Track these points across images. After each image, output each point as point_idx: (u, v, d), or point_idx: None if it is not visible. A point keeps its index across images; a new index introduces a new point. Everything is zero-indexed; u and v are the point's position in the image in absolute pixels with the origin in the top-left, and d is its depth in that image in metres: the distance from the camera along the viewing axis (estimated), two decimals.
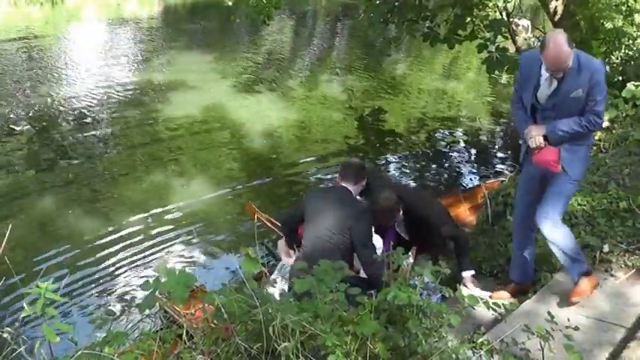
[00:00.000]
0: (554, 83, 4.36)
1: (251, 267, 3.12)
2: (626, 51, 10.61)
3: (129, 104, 12.91)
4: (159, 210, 8.33)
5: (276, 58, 18.36)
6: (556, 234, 4.44)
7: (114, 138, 11.09)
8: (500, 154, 11.75)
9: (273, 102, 13.57)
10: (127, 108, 12.64)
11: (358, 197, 5.25)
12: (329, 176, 9.59)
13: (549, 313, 2.98)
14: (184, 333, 3.02)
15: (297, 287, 2.94)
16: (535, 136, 4.35)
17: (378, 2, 10.19)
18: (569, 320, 3.17)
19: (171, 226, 7.90)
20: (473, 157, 11.55)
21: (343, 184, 5.14)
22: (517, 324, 2.98)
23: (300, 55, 19.55)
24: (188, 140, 11.14)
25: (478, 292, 4.93)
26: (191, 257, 7.31)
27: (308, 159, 10.39)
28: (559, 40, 4.16)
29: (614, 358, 3.85)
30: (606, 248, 5.12)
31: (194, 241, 7.60)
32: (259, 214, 6.77)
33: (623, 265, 4.91)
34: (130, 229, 7.76)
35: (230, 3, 13.91)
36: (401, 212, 5.47)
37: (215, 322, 3.02)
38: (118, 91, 13.61)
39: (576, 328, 3.19)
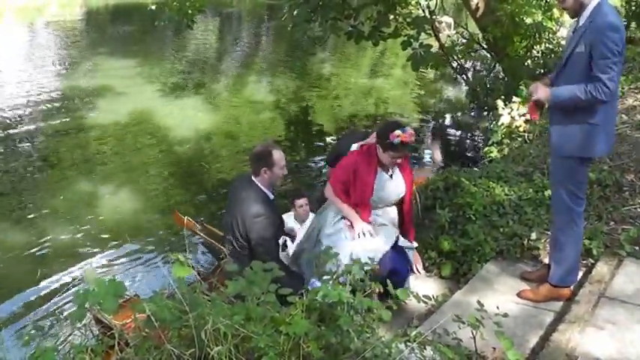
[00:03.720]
0: (571, 34, 4.06)
1: (181, 273, 3.07)
2: (547, 45, 10.96)
3: (53, 112, 12.58)
4: (87, 219, 8.14)
5: (201, 60, 18.19)
6: (566, 227, 4.25)
7: (38, 147, 10.79)
8: (427, 150, 11.94)
9: (200, 105, 13.44)
10: (51, 116, 12.32)
11: (263, 187, 4.90)
12: None
13: (479, 302, 3.03)
14: (116, 344, 2.94)
15: (229, 290, 2.91)
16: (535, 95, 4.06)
17: (301, 2, 10.20)
18: (498, 308, 3.23)
19: (100, 236, 7.74)
20: None
21: (252, 177, 4.90)
22: (449, 314, 3.01)
23: (225, 57, 19.43)
24: (115, 147, 10.92)
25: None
26: (123, 266, 7.18)
27: (237, 161, 10.31)
28: None
29: (544, 341, 3.95)
30: (534, 236, 5.26)
31: (125, 249, 7.47)
32: (188, 221, 6.70)
33: (549, 252, 5.04)
34: (58, 241, 7.56)
35: (154, 6, 13.71)
36: None
37: (147, 330, 2.96)
38: (41, 99, 13.25)
39: (505, 315, 3.25)
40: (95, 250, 7.45)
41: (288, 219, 6.07)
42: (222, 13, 25.29)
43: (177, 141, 11.21)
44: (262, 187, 4.83)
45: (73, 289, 6.36)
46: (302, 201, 6.09)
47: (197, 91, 14.71)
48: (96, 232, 7.84)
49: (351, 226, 4.69)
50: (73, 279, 6.80)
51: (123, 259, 7.29)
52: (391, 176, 4.74)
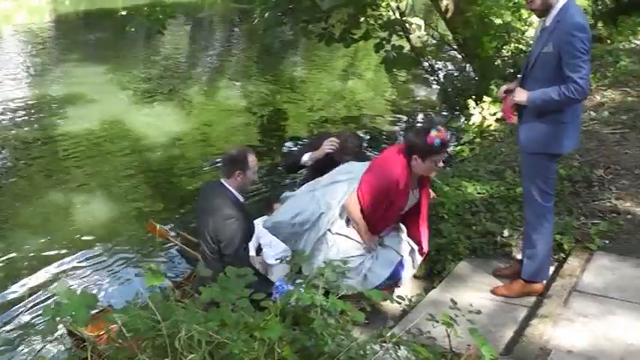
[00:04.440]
0: (538, 34, 4.13)
1: (154, 281, 3.05)
2: (516, 45, 11.10)
3: (22, 120, 12.42)
4: (58, 229, 8.04)
5: (173, 66, 18.08)
6: (537, 223, 4.33)
7: (8, 157, 10.64)
8: None
9: (172, 111, 13.36)
10: (19, 124, 12.16)
11: (234, 190, 4.90)
12: None
13: (452, 300, 3.06)
14: (89, 357, 2.92)
15: (203, 296, 2.91)
16: (512, 98, 4.12)
17: (272, 5, 10.20)
18: (471, 305, 3.26)
19: (72, 246, 7.63)
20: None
21: (222, 180, 4.92)
22: (423, 314, 3.03)
23: (197, 62, 19.33)
24: (87, 155, 10.80)
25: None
26: (95, 277, 7.09)
27: (211, 167, 10.26)
28: None
29: (518, 336, 4.00)
30: (506, 233, 5.33)
31: (98, 259, 7.38)
32: (161, 229, 6.67)
33: (521, 248, 5.10)
34: (28, 252, 7.46)
35: (124, 12, 13.63)
36: None
37: (120, 341, 2.94)
38: (9, 107, 13.07)
39: (479, 312, 3.30)
40: (67, 260, 7.34)
41: (261, 223, 6.07)
42: (193, 18, 25.17)
43: (150, 147, 11.12)
44: (233, 190, 4.84)
45: (48, 301, 6.32)
46: (279, 204, 6.09)
47: (169, 96, 14.61)
48: (67, 242, 7.74)
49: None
50: (45, 290, 6.72)
51: (96, 269, 7.20)
52: (413, 191, 4.58)
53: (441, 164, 4.49)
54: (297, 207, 4.72)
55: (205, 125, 12.62)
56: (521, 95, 4.06)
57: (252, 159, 4.88)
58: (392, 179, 4.35)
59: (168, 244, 6.97)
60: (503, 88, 4.35)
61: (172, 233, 6.94)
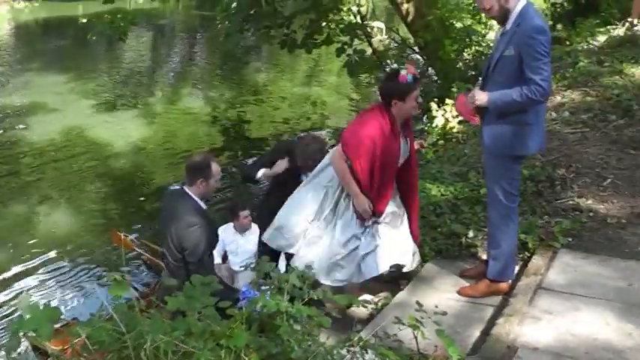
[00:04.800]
0: (499, 37, 4.17)
1: (118, 292, 3.01)
2: (477, 47, 11.22)
3: None
4: (20, 242, 7.93)
5: (136, 73, 17.93)
6: (501, 223, 4.36)
7: None
8: None
9: (135, 119, 13.23)
10: None
11: (196, 198, 4.84)
12: None
13: (418, 302, 3.07)
14: None
15: (169, 306, 2.87)
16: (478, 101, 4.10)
17: (233, 12, 10.17)
18: (437, 307, 3.28)
19: (35, 258, 7.53)
20: None
21: (184, 187, 4.87)
22: (390, 317, 3.04)
23: (160, 69, 19.19)
24: (50, 166, 10.66)
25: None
26: (59, 289, 6.99)
27: (174, 174, 10.17)
28: None
29: (485, 335, 4.03)
30: (471, 234, 5.36)
31: (62, 271, 7.30)
32: (125, 239, 6.60)
33: (486, 249, 5.14)
34: None
35: (85, 20, 13.49)
36: None
37: (85, 354, 2.89)
38: None
39: (444, 313, 3.31)
40: (30, 273, 7.24)
41: (226, 230, 6.05)
42: (155, 25, 24.99)
43: (113, 156, 11.01)
44: (196, 198, 4.81)
45: (11, 316, 6.20)
46: (246, 212, 6.07)
47: (132, 104, 14.48)
48: (30, 254, 7.61)
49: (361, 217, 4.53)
50: (7, 305, 6.59)
51: (59, 282, 7.10)
52: (407, 140, 4.52)
53: (420, 99, 4.49)
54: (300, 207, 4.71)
55: (169, 132, 12.53)
56: (481, 97, 4.09)
57: (215, 167, 4.86)
58: (371, 128, 4.33)
59: (134, 254, 6.89)
60: (464, 94, 4.39)
61: (137, 243, 6.86)
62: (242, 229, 6.08)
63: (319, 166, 4.77)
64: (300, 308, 2.52)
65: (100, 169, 10.56)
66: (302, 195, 4.75)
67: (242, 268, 5.85)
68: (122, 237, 6.64)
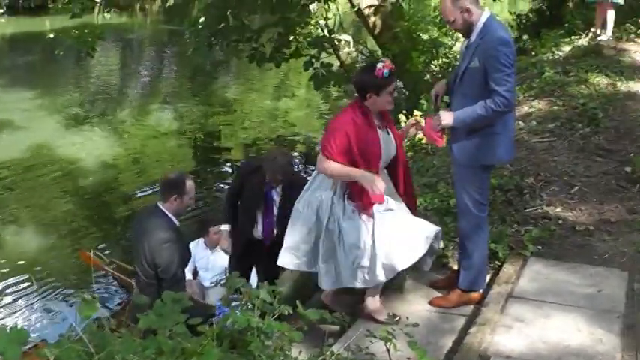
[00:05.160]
0: (464, 49, 4.20)
1: (88, 312, 2.96)
2: (444, 59, 11.33)
3: None
4: None
5: (104, 89, 17.78)
6: (472, 233, 4.35)
7: None
8: None
9: (104, 136, 13.11)
10: None
11: (170, 215, 4.82)
12: None
13: (389, 314, 3.06)
14: None
15: (140, 324, 2.83)
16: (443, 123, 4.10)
17: (201, 27, 10.15)
18: (407, 319, 3.27)
19: (2, 279, 7.36)
20: (310, 171, 11.72)
21: (158, 204, 4.86)
22: (361, 329, 3.03)
23: (128, 85, 19.07)
24: (18, 184, 10.51)
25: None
26: (28, 311, 6.86)
27: (144, 191, 10.08)
28: None
29: (457, 345, 4.04)
30: (442, 244, 5.37)
31: (30, 292, 7.17)
32: (95, 258, 6.51)
33: (457, 259, 5.15)
34: None
35: (52, 35, 13.38)
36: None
37: None
38: None
39: (416, 325, 3.31)
40: None
41: (197, 246, 6.01)
42: (124, 39, 24.85)
43: (82, 173, 10.88)
44: (169, 214, 4.80)
45: None
46: (217, 228, 6.03)
47: (101, 121, 14.34)
48: None
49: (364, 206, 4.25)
50: None
51: (28, 303, 6.98)
52: (388, 132, 4.41)
53: (396, 93, 4.41)
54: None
55: (138, 149, 12.43)
56: (447, 118, 4.11)
57: (189, 184, 4.87)
58: (343, 120, 4.26)
59: (103, 273, 6.80)
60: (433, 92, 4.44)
61: (107, 261, 6.78)
62: (212, 245, 6.04)
63: (309, 181, 4.65)
64: (271, 323, 2.50)
65: (68, 187, 10.43)
66: (298, 211, 4.56)
67: (212, 284, 5.81)
68: (91, 256, 6.56)
